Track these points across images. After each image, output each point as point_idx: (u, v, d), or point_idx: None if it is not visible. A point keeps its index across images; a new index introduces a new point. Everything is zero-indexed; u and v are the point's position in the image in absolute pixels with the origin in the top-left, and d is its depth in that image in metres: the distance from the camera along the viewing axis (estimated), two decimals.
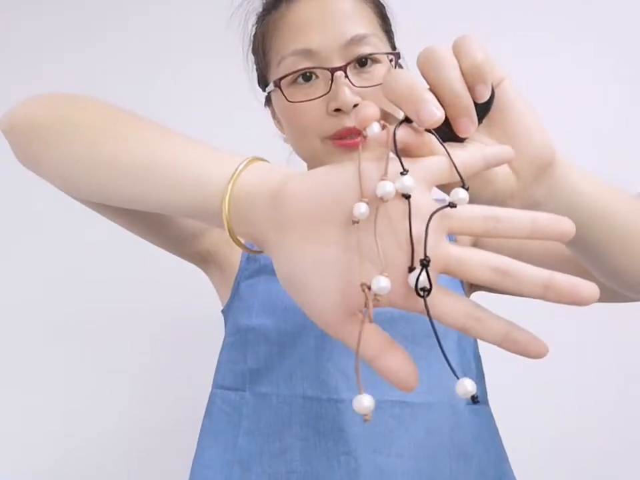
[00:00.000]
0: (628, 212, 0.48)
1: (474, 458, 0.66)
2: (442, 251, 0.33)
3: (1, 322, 1.31)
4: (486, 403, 0.74)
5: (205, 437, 0.71)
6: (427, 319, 0.32)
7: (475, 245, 0.75)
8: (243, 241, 0.41)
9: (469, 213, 0.34)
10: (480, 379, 0.74)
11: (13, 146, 0.57)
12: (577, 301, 0.31)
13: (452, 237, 0.75)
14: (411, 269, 0.32)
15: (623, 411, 1.22)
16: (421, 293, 0.32)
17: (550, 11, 1.33)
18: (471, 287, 0.79)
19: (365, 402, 0.32)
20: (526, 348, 0.32)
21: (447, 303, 0.33)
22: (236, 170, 0.38)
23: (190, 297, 1.18)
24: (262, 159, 0.41)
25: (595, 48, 1.32)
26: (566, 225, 0.34)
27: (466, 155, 0.37)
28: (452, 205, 0.33)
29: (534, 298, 0.32)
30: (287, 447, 0.65)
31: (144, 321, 1.28)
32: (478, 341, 0.76)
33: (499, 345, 0.32)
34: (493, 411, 0.74)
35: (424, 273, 0.31)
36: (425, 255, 0.31)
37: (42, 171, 0.54)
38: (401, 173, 0.33)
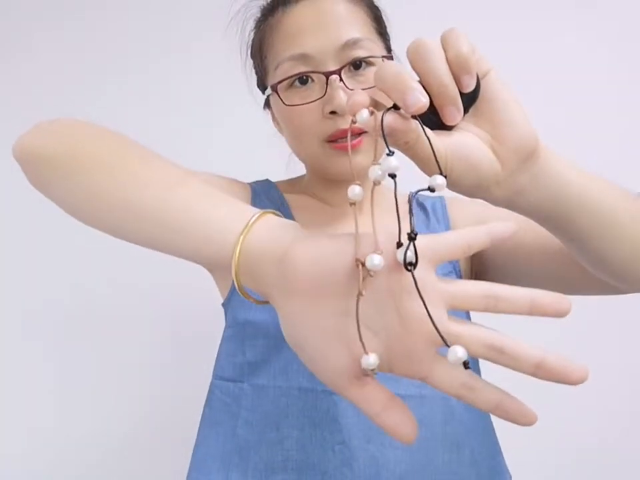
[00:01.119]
0: (614, 201, 0.49)
1: (466, 449, 0.68)
2: (442, 326, 0.34)
3: (1, 320, 1.32)
4: None
5: (205, 427, 0.73)
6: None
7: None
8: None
9: (470, 291, 0.36)
10: (476, 374, 0.74)
11: (25, 173, 0.56)
12: (566, 382, 0.33)
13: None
14: (399, 245, 0.34)
15: (620, 407, 1.23)
16: (409, 267, 0.33)
17: (550, 11, 1.35)
18: (470, 277, 0.80)
19: (370, 359, 0.34)
20: (516, 418, 0.34)
21: (442, 372, 0.35)
22: (247, 225, 0.40)
23: (191, 289, 1.19)
24: (273, 212, 0.43)
25: (600, 47, 1.34)
26: (564, 306, 0.35)
27: (472, 235, 0.38)
28: (431, 189, 0.35)
29: (525, 374, 0.34)
30: (283, 436, 0.67)
31: (145, 314, 1.29)
32: None
33: (492, 413, 0.35)
34: None
35: (411, 247, 0.33)
36: (412, 229, 0.33)
37: (54, 199, 0.54)
38: (387, 154, 0.35)
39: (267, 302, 0.41)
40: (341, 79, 0.68)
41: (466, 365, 0.33)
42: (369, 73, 0.69)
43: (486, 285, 0.36)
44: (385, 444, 0.65)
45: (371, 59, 0.70)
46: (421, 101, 0.36)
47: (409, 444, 0.35)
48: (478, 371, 0.76)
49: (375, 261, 0.34)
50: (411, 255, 0.33)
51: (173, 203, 0.44)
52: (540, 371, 0.33)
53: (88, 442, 1.26)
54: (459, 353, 0.33)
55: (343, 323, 0.35)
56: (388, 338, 0.35)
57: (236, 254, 0.39)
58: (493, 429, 0.74)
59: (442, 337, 0.33)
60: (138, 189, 0.46)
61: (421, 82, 0.39)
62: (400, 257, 0.34)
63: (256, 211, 0.41)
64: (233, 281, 0.40)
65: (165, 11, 1.41)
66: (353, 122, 0.39)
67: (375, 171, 0.35)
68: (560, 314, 0.35)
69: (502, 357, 0.34)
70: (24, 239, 1.34)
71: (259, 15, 0.78)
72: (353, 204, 0.36)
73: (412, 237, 0.33)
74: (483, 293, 0.35)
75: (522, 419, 0.34)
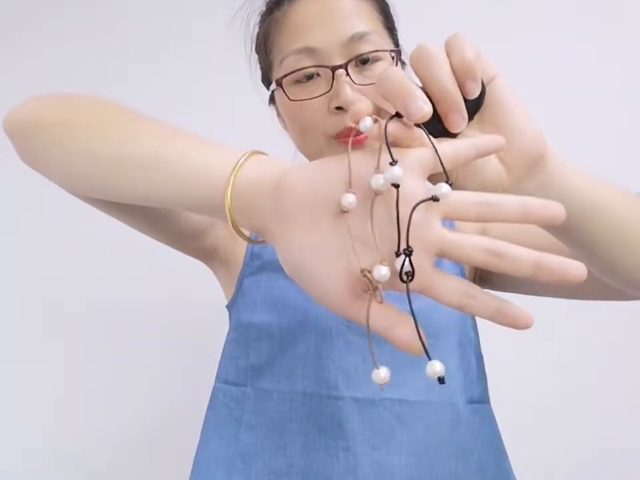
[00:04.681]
0: (623, 206, 0.48)
1: (473, 456, 0.67)
2: (436, 234, 0.34)
3: (1, 318, 1.32)
4: (486, 401, 0.74)
5: (208, 431, 0.73)
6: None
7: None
8: (247, 233, 0.42)
9: (462, 199, 0.35)
10: (480, 377, 0.74)
11: (15, 145, 0.58)
12: (566, 279, 0.32)
13: (452, 225, 0.75)
14: (398, 254, 0.34)
15: (624, 410, 1.22)
16: (404, 278, 0.33)
17: (554, 10, 1.33)
18: (474, 282, 0.79)
19: (382, 374, 0.35)
20: (515, 321, 0.34)
21: (443, 283, 0.35)
22: (237, 163, 0.40)
23: (195, 291, 1.19)
24: (262, 153, 0.42)
25: (599, 47, 1.32)
26: (557, 209, 0.35)
27: (457, 144, 0.38)
28: (434, 199, 0.34)
29: (526, 278, 0.33)
30: (287, 442, 0.66)
31: (149, 316, 1.29)
32: (480, 340, 0.76)
33: (492, 320, 0.34)
34: (494, 410, 0.74)
35: (407, 260, 0.33)
36: (407, 244, 0.33)
37: (45, 170, 0.56)
38: (390, 164, 0.34)
39: (263, 241, 0.41)
40: (348, 74, 0.65)
41: (441, 380, 0.33)
42: (376, 68, 0.67)
43: (478, 192, 0.36)
44: (390, 450, 0.64)
45: (378, 54, 0.68)
46: (424, 110, 0.35)
47: (419, 356, 0.34)
48: (481, 361, 0.76)
49: (382, 271, 0.33)
50: (407, 267, 0.33)
51: (163, 152, 0.44)
52: (539, 271, 0.33)
53: (89, 446, 1.27)
54: (436, 367, 0.33)
55: (339, 244, 0.35)
56: (386, 251, 0.34)
57: (228, 193, 0.39)
58: (499, 435, 0.73)
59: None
60: (128, 143, 0.46)
61: (424, 88, 0.38)
62: (397, 268, 0.34)
63: (246, 151, 0.41)
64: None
65: (166, 11, 1.40)
66: (356, 130, 0.38)
67: (377, 180, 0.34)
68: (554, 217, 0.35)
69: (500, 261, 0.34)
70: (27, 240, 1.34)
71: (263, 9, 0.76)
72: (345, 212, 0.35)
73: (407, 253, 0.33)
74: (475, 199, 0.35)
75: (521, 321, 0.34)
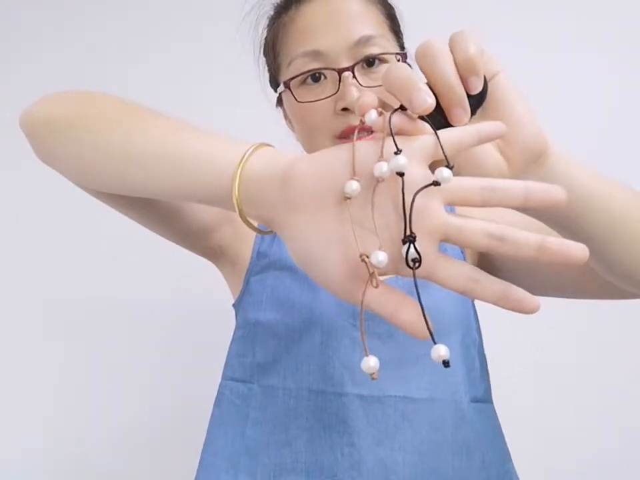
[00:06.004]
0: (623, 202, 0.48)
1: (477, 455, 0.67)
2: (440, 220, 0.35)
3: (2, 316, 1.33)
4: (490, 401, 0.74)
5: (214, 427, 0.73)
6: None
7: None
8: (255, 224, 0.43)
9: (466, 184, 0.36)
10: (484, 376, 0.74)
11: (31, 143, 0.60)
12: (569, 260, 0.33)
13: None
14: (405, 241, 0.34)
15: (625, 410, 1.22)
16: (411, 265, 0.34)
17: (557, 13, 1.34)
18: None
19: (371, 362, 0.36)
20: (521, 305, 0.34)
21: (447, 268, 0.36)
22: (245, 154, 0.41)
23: (202, 289, 1.20)
24: (269, 145, 0.44)
25: (599, 46, 1.32)
26: (558, 192, 0.36)
27: (460, 131, 0.39)
28: (435, 184, 0.35)
29: (529, 260, 0.34)
30: (292, 438, 0.67)
31: (154, 314, 1.30)
32: (483, 339, 0.76)
33: (497, 304, 0.35)
34: (496, 409, 0.74)
35: (412, 246, 0.34)
36: (411, 231, 0.34)
37: (59, 166, 0.57)
38: (395, 153, 0.35)
39: (271, 231, 0.42)
40: (354, 76, 0.67)
41: (446, 364, 0.33)
42: (382, 70, 0.68)
43: (481, 178, 0.37)
44: (394, 447, 0.64)
45: (384, 56, 0.69)
46: (427, 102, 0.36)
47: (424, 339, 0.35)
48: (484, 362, 0.76)
49: (380, 257, 0.34)
50: (413, 254, 0.34)
51: (173, 145, 0.45)
52: (542, 253, 0.34)
53: (95, 443, 1.27)
54: (441, 351, 0.33)
55: (344, 232, 0.36)
56: (391, 238, 0.35)
57: (235, 183, 0.40)
58: (503, 435, 0.73)
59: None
60: (139, 137, 0.48)
61: (428, 83, 0.40)
62: (404, 255, 0.34)
63: (253, 143, 0.42)
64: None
65: (178, 8, 1.42)
66: (362, 122, 0.40)
67: (380, 168, 0.35)
68: (555, 199, 0.36)
69: (504, 245, 0.34)
70: (27, 240, 1.35)
71: (272, 13, 0.77)
72: (348, 198, 0.36)
73: (411, 239, 0.34)
74: (479, 184, 0.36)
75: (526, 305, 0.34)
